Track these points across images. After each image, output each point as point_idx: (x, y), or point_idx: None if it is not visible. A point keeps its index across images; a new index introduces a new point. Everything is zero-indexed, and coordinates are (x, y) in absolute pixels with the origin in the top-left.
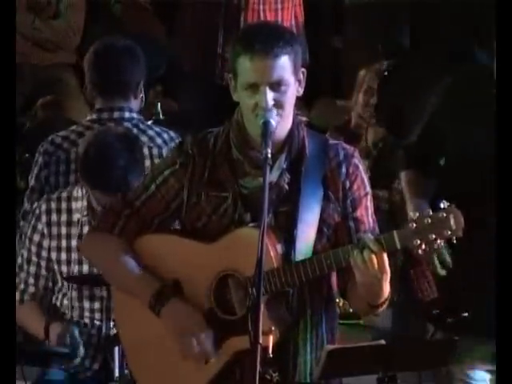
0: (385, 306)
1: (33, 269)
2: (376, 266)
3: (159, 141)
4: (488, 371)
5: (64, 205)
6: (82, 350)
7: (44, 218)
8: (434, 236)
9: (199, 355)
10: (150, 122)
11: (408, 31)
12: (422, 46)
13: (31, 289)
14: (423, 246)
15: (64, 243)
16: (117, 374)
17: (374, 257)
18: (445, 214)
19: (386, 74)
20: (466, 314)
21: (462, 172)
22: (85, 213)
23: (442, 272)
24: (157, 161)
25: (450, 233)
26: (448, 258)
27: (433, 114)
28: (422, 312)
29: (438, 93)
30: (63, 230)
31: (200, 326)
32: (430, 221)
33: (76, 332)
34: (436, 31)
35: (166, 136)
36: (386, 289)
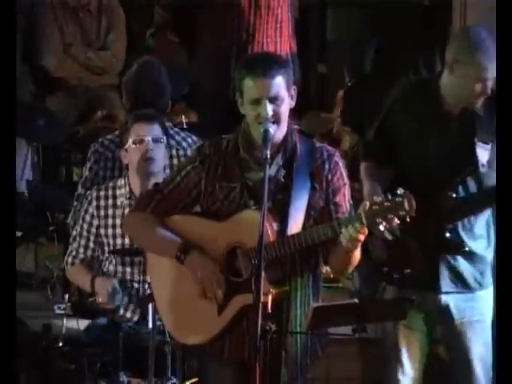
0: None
1: (83, 241)
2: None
3: (184, 144)
4: (423, 318)
5: (110, 192)
6: (121, 299)
7: (94, 203)
8: (391, 216)
9: (217, 294)
10: (176, 129)
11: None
12: (380, 70)
13: (81, 256)
14: (384, 224)
15: (110, 222)
16: (150, 324)
17: (360, 228)
18: (401, 199)
19: (349, 84)
20: (408, 271)
21: (410, 163)
22: (127, 196)
23: (390, 237)
24: (182, 160)
25: (404, 213)
26: (396, 229)
27: (386, 115)
28: (376, 271)
29: (390, 98)
30: (109, 212)
31: (216, 270)
32: (389, 204)
33: (116, 283)
34: (392, 60)
35: (189, 140)
36: (357, 257)
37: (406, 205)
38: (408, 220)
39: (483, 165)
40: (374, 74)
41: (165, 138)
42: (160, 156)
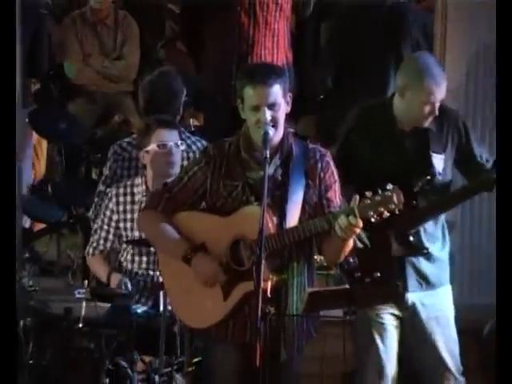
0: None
1: (103, 234)
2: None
3: (194, 147)
4: (393, 314)
5: (128, 190)
6: (135, 292)
7: (114, 199)
8: (382, 209)
9: (215, 288)
10: (188, 134)
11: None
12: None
13: (101, 247)
14: (375, 217)
15: (128, 216)
16: (161, 309)
17: (354, 221)
18: (390, 193)
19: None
20: (378, 275)
21: (372, 179)
22: (144, 193)
23: (360, 245)
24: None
25: (393, 206)
26: (365, 237)
27: (343, 140)
28: (349, 276)
29: (346, 125)
30: (128, 207)
31: (215, 269)
32: (379, 198)
33: (128, 282)
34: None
35: (199, 144)
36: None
37: (395, 198)
38: (397, 213)
39: (439, 173)
40: (337, 91)
41: (183, 142)
42: (179, 159)
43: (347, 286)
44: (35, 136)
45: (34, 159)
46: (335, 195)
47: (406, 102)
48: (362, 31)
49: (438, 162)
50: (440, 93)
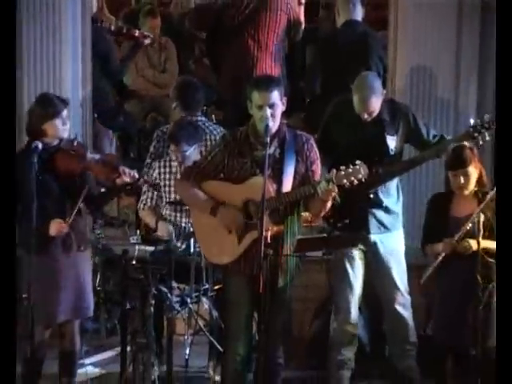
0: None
1: (150, 194)
2: (327, 194)
3: (215, 132)
4: (361, 250)
5: (167, 163)
6: (173, 236)
7: (156, 170)
8: (353, 178)
9: (231, 236)
10: (210, 123)
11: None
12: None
13: (148, 204)
14: (347, 184)
15: (167, 182)
16: (192, 250)
17: (325, 189)
18: (358, 167)
19: (308, 101)
20: (347, 221)
21: (344, 154)
22: (178, 166)
23: (334, 201)
24: (213, 142)
25: (361, 176)
26: (337, 197)
27: (325, 124)
28: (327, 222)
29: (327, 113)
30: (167, 176)
31: (235, 214)
32: (351, 170)
33: (170, 227)
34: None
35: (218, 130)
36: (328, 208)
37: (362, 171)
38: (363, 181)
39: (392, 149)
40: (321, 93)
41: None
42: None
43: (325, 235)
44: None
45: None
46: (318, 168)
47: (355, 103)
48: (339, 51)
49: (391, 141)
50: (373, 105)
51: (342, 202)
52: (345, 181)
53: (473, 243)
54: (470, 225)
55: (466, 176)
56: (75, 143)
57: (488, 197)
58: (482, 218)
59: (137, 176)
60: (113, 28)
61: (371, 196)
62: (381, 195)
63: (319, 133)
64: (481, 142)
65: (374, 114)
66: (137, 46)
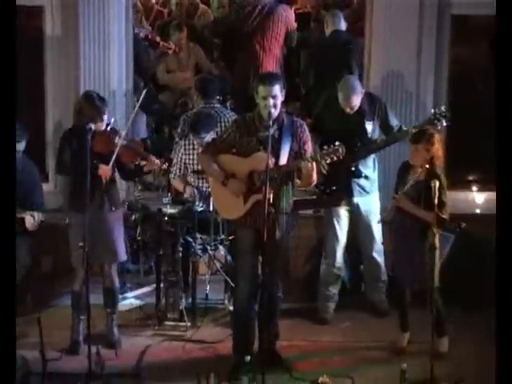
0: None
1: (178, 166)
2: (312, 167)
3: (228, 116)
4: (346, 210)
5: (191, 141)
6: (197, 198)
7: (183, 147)
8: (333, 156)
9: (239, 198)
10: (225, 109)
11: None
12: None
13: (177, 173)
14: (329, 160)
15: (191, 156)
16: (211, 209)
17: (312, 164)
18: (337, 147)
19: (303, 92)
20: (334, 188)
21: (333, 135)
22: (199, 145)
23: (324, 171)
24: (226, 125)
25: (339, 154)
26: (324, 168)
27: (317, 114)
28: (318, 188)
29: (319, 103)
30: (191, 151)
31: (241, 186)
32: (333, 149)
33: (195, 191)
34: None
35: (231, 114)
36: (315, 177)
37: (341, 150)
38: (341, 158)
39: (369, 132)
40: (314, 87)
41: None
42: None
43: (314, 197)
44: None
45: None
46: (309, 147)
47: (340, 100)
48: (328, 54)
49: (369, 126)
50: (354, 101)
51: (330, 173)
52: (326, 157)
53: (415, 209)
54: (409, 184)
55: (425, 150)
56: (109, 128)
57: (439, 171)
58: (437, 184)
59: (158, 163)
60: (141, 35)
61: (353, 168)
62: (361, 167)
63: (313, 119)
64: (439, 127)
65: (356, 108)
66: (163, 54)
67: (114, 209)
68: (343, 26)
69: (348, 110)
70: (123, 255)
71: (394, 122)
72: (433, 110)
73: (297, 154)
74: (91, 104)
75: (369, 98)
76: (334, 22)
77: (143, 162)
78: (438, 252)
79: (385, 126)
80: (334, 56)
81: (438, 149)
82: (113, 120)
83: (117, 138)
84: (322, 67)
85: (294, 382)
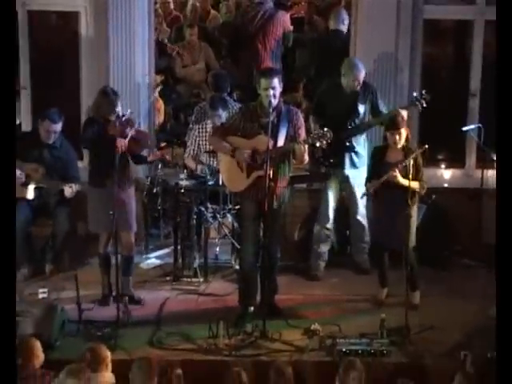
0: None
1: (192, 147)
2: (304, 148)
3: (234, 105)
4: (338, 181)
5: (204, 126)
6: (208, 173)
7: (197, 131)
8: (323, 140)
9: (243, 173)
10: (231, 100)
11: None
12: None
13: (191, 153)
14: (318, 144)
15: (204, 138)
16: (220, 182)
17: (304, 146)
18: (326, 132)
19: (304, 81)
20: (332, 161)
21: (330, 115)
22: (211, 128)
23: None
24: (233, 112)
25: (327, 138)
26: (318, 147)
27: (318, 98)
28: (317, 161)
29: (320, 89)
30: (203, 134)
31: (247, 154)
32: (321, 133)
33: (206, 168)
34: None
35: (238, 105)
36: (306, 157)
37: (329, 135)
38: (329, 142)
39: (360, 113)
40: (314, 77)
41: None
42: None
43: (308, 173)
44: (159, 101)
45: (157, 113)
46: (302, 132)
47: (345, 79)
48: (329, 48)
49: (361, 108)
50: (360, 76)
51: (328, 148)
52: (316, 141)
53: (404, 180)
54: (397, 170)
55: (399, 135)
56: (123, 119)
57: (414, 151)
58: (412, 162)
59: (159, 155)
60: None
61: (348, 143)
62: (354, 143)
63: (314, 103)
64: (420, 108)
65: (361, 84)
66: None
67: (127, 187)
68: (342, 26)
69: (356, 84)
70: (135, 226)
71: (383, 106)
72: (415, 93)
73: (292, 138)
74: (106, 98)
75: (363, 84)
76: (337, 21)
77: (141, 149)
78: (414, 219)
79: (374, 109)
80: (334, 50)
81: (408, 130)
82: (129, 111)
83: (128, 129)
84: (321, 61)
85: (289, 329)
